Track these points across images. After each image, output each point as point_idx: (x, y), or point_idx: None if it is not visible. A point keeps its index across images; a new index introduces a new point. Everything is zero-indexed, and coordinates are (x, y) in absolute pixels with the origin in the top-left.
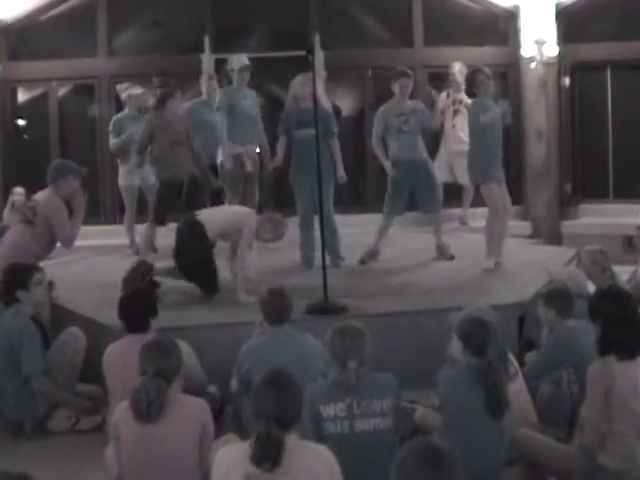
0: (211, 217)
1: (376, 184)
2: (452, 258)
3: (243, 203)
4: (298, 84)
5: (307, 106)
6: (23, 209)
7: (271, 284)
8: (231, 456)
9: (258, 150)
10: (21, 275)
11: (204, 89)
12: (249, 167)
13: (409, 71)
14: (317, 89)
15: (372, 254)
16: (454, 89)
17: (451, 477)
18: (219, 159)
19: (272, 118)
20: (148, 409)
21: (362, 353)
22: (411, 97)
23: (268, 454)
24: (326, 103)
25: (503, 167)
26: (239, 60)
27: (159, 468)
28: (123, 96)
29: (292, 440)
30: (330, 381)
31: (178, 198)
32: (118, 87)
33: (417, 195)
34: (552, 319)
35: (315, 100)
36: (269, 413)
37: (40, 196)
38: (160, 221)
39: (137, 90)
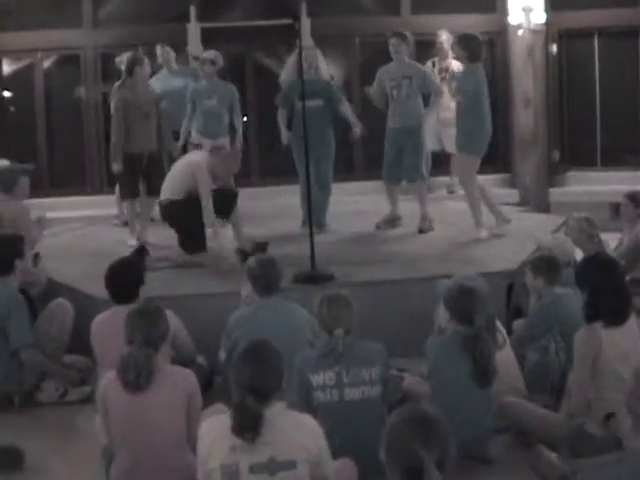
0: (170, 185)
1: (365, 152)
2: (422, 231)
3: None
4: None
5: (308, 78)
6: None
7: (260, 255)
8: (216, 427)
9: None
10: (17, 244)
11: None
12: None
13: (401, 31)
14: (318, 60)
15: (388, 220)
16: (440, 57)
17: (441, 442)
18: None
19: (261, 88)
20: (137, 378)
21: (349, 321)
22: None
23: (246, 425)
24: (326, 74)
25: (491, 134)
26: (207, 53)
27: (147, 438)
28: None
29: (275, 410)
30: (318, 349)
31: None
32: (118, 59)
33: (402, 163)
34: (539, 287)
35: (301, 71)
36: (245, 384)
37: (1, 205)
38: (130, 195)
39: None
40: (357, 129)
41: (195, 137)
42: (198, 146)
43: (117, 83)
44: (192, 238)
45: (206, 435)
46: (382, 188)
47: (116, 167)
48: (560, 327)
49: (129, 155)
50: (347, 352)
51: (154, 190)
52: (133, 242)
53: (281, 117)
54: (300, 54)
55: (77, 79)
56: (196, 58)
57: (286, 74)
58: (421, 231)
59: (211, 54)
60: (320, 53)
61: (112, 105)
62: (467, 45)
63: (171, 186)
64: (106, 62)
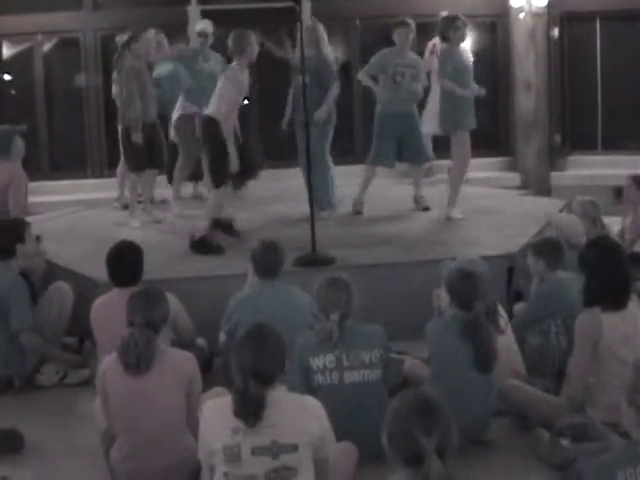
0: (213, 101)
1: (364, 135)
2: (427, 209)
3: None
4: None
5: (307, 54)
6: None
7: (263, 237)
8: (218, 409)
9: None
10: (18, 228)
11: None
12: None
13: (409, 20)
14: (321, 38)
15: (357, 205)
16: None
17: (443, 429)
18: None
19: (262, 71)
20: (137, 360)
21: (347, 305)
22: None
23: (248, 409)
24: (327, 51)
25: (492, 118)
26: (200, 25)
27: (147, 421)
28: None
29: (278, 393)
30: (315, 334)
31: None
32: (118, 38)
33: (403, 147)
34: (541, 270)
35: (302, 49)
36: (246, 368)
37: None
38: (138, 167)
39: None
40: (322, 114)
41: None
42: (194, 115)
43: (115, 58)
44: (222, 161)
45: (209, 417)
46: (383, 172)
47: (136, 137)
48: (561, 311)
49: (131, 127)
50: (346, 335)
51: (157, 162)
52: (136, 224)
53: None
54: (301, 36)
55: (77, 62)
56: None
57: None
58: (426, 209)
59: (207, 26)
60: (322, 29)
61: (121, 77)
62: (441, 26)
63: (215, 103)
64: (106, 45)
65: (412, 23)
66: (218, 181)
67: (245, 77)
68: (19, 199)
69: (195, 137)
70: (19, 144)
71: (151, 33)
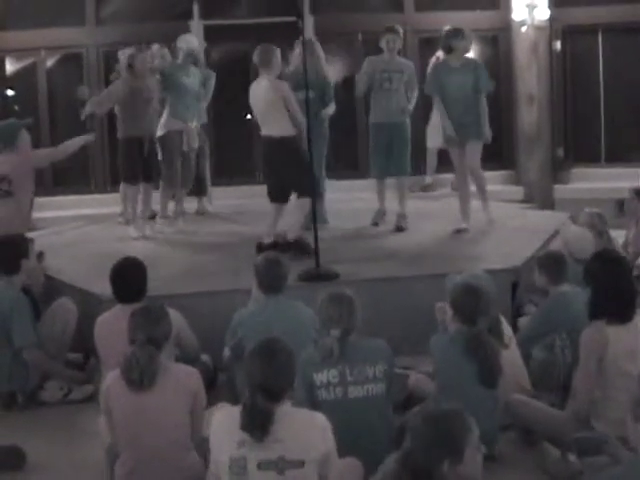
0: (273, 121)
1: (367, 150)
2: (400, 229)
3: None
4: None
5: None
6: None
7: (267, 253)
8: (227, 421)
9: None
10: (23, 244)
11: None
12: (187, 144)
13: (396, 26)
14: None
15: (379, 216)
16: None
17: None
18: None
19: None
20: (140, 377)
21: (349, 320)
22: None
23: (255, 423)
24: (324, 69)
25: (494, 132)
26: (186, 42)
27: (151, 437)
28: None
29: (285, 408)
30: (317, 349)
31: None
32: (120, 53)
33: (391, 157)
34: (545, 284)
35: (305, 65)
36: (255, 383)
37: (6, 164)
38: (132, 178)
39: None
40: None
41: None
42: (181, 132)
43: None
44: (307, 170)
45: (218, 428)
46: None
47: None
48: (566, 325)
49: (132, 138)
50: (349, 350)
51: (150, 177)
52: (135, 234)
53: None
54: (304, 50)
55: (80, 78)
56: (180, 49)
57: (293, 66)
58: (400, 228)
59: (194, 42)
60: (320, 48)
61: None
62: (466, 36)
63: (277, 122)
64: (109, 60)
65: (400, 29)
66: (308, 189)
67: None
68: (48, 155)
69: (181, 153)
70: (25, 136)
71: (155, 47)
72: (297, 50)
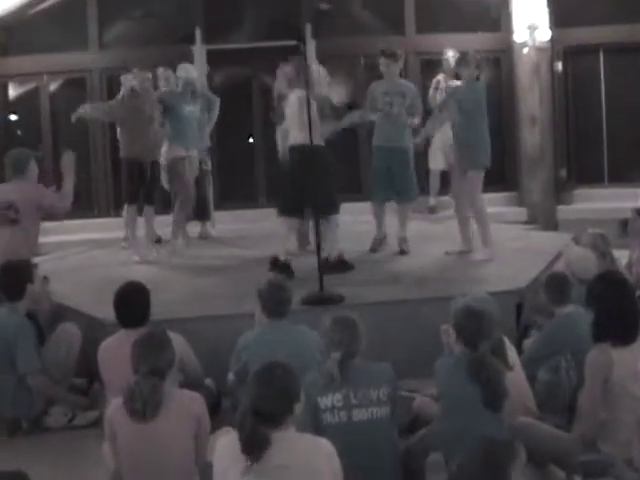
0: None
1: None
2: (403, 252)
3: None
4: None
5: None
6: (1, 211)
7: (271, 277)
8: (231, 449)
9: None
10: (27, 269)
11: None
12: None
13: (391, 49)
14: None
15: (378, 242)
16: (447, 75)
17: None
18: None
19: (266, 109)
20: (143, 408)
21: (351, 344)
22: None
23: (252, 448)
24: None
25: (498, 153)
26: (185, 71)
27: (156, 464)
28: (134, 83)
29: (288, 434)
30: (319, 373)
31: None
32: (123, 78)
33: (393, 183)
34: (550, 305)
35: (307, 86)
36: (252, 407)
37: (16, 192)
38: (129, 199)
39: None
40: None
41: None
42: (184, 158)
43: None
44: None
45: (222, 454)
46: (389, 208)
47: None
48: (571, 346)
49: (131, 160)
50: (353, 374)
51: (151, 199)
52: (136, 258)
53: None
54: (306, 74)
55: (83, 102)
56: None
57: (279, 84)
58: (403, 252)
59: (192, 72)
60: (321, 71)
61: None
62: (470, 62)
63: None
64: (112, 85)
65: (396, 52)
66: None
67: None
68: (54, 202)
69: (187, 178)
70: (34, 167)
71: (160, 70)
72: (288, 69)
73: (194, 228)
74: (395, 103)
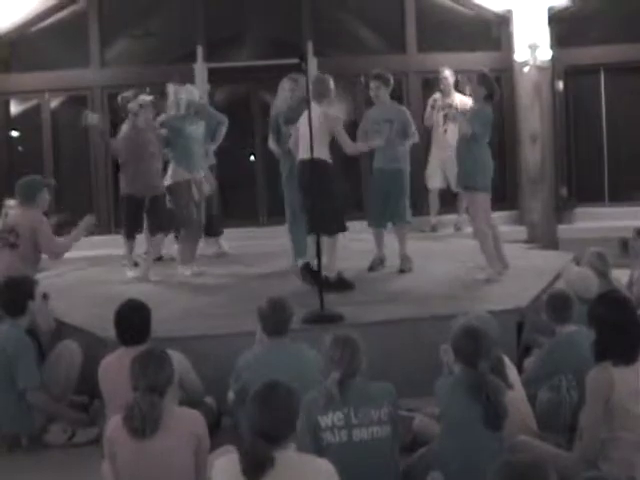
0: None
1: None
2: (403, 271)
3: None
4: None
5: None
6: (3, 234)
7: (271, 295)
8: (229, 468)
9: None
10: (28, 286)
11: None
12: (198, 193)
13: (380, 72)
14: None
15: (376, 263)
16: (444, 93)
17: None
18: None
19: (268, 127)
20: (143, 426)
21: (351, 363)
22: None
23: (254, 469)
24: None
25: (498, 172)
26: (187, 92)
27: None
28: (133, 105)
29: (288, 454)
30: (319, 393)
31: (140, 214)
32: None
33: (388, 206)
34: (552, 323)
35: (309, 105)
36: (255, 428)
37: (19, 216)
38: (127, 235)
39: (147, 97)
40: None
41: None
42: (189, 181)
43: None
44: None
45: (220, 476)
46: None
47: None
48: (572, 365)
49: (131, 196)
50: (353, 393)
51: (156, 230)
52: (132, 274)
53: (271, 141)
54: (307, 91)
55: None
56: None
57: (278, 100)
58: (402, 271)
59: (194, 94)
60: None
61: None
62: (487, 84)
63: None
64: (113, 102)
65: (384, 75)
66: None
67: None
68: (48, 243)
69: (193, 201)
70: (45, 196)
71: (170, 87)
72: (286, 85)
73: (210, 248)
74: (383, 128)
